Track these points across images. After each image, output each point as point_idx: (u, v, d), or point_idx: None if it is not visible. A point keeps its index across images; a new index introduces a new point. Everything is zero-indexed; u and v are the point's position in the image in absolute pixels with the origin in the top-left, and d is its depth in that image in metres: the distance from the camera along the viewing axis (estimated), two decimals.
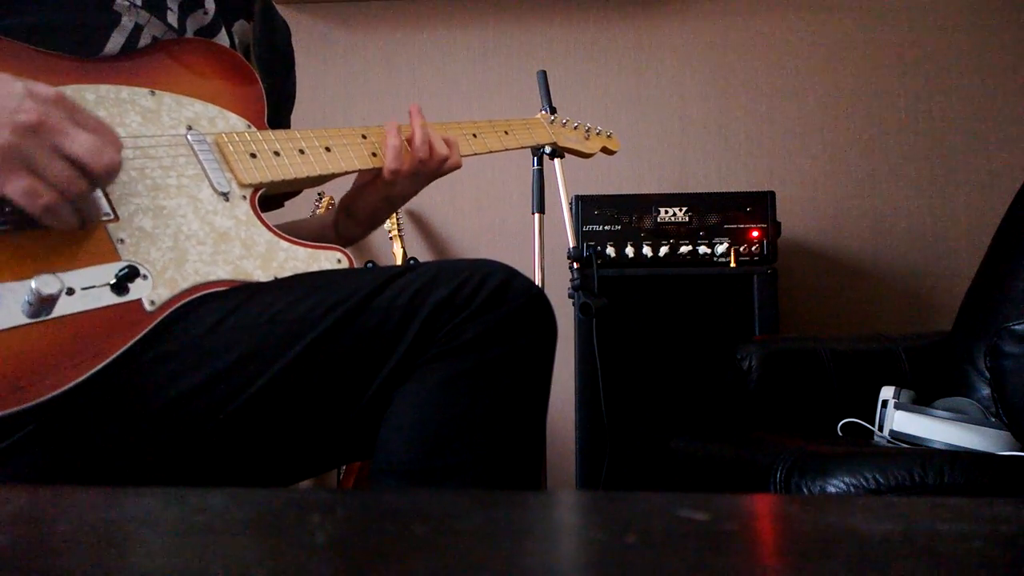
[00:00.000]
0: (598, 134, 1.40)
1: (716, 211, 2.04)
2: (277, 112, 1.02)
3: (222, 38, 0.98)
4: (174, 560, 0.32)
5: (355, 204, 1.05)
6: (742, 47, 2.52)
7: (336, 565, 0.30)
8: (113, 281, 0.72)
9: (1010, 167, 2.39)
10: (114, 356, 0.69)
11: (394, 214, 2.39)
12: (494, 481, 0.75)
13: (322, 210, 2.37)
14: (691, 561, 0.31)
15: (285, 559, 0.31)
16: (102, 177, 0.70)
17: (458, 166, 1.02)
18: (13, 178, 0.65)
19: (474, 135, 1.10)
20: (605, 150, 1.43)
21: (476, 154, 1.10)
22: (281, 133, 0.92)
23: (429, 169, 1.00)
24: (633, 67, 2.55)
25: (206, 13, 0.95)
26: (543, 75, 1.58)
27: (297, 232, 0.92)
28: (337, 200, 1.09)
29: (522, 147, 1.20)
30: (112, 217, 0.75)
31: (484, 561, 0.31)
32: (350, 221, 1.07)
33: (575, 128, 1.36)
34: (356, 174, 1.03)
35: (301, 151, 0.92)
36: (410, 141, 0.99)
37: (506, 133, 1.16)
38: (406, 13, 2.62)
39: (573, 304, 1.51)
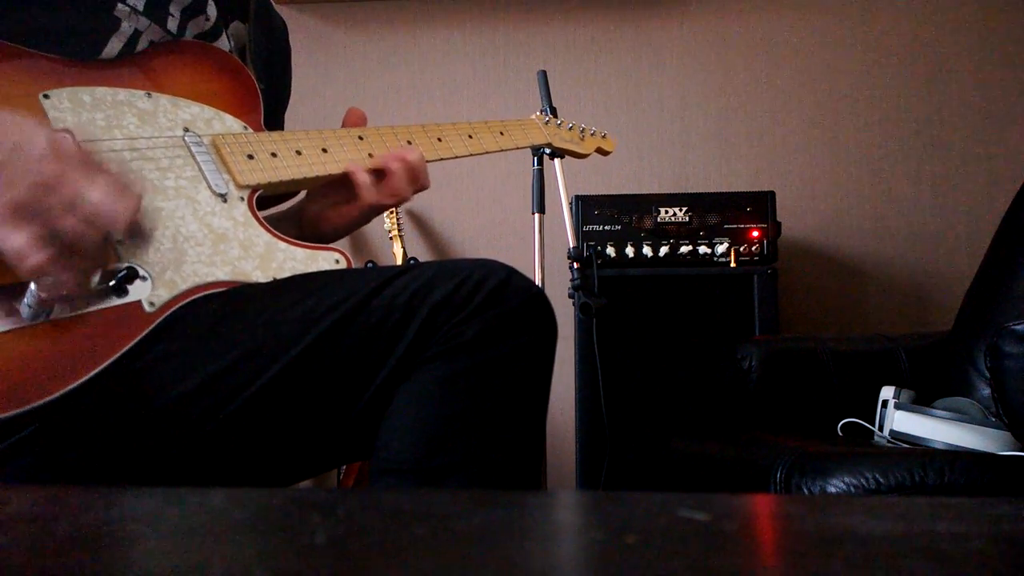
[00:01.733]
0: (593, 134, 1.41)
1: (716, 211, 2.04)
2: (272, 112, 1.01)
3: (222, 42, 0.98)
4: (174, 560, 0.32)
5: (325, 220, 0.99)
6: (742, 47, 2.52)
7: (336, 565, 0.30)
8: (112, 283, 0.72)
9: (1010, 167, 2.39)
10: (114, 358, 0.69)
11: (394, 214, 2.40)
12: (494, 480, 0.75)
13: None
14: (691, 561, 0.31)
15: (285, 559, 0.31)
16: (118, 223, 0.66)
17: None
18: (15, 232, 0.62)
19: (470, 136, 1.10)
20: (600, 150, 1.43)
21: (472, 155, 1.10)
22: (277, 135, 0.92)
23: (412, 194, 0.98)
24: (633, 67, 2.55)
25: (207, 19, 0.95)
26: (543, 75, 1.59)
27: None
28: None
29: (517, 147, 1.20)
30: None
31: (484, 561, 0.31)
32: (308, 232, 1.00)
33: (570, 129, 1.36)
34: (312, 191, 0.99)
35: (298, 152, 0.92)
36: (389, 176, 0.95)
37: (501, 134, 1.16)
38: (406, 13, 2.62)
39: (573, 304, 1.51)
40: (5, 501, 0.44)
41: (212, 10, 0.96)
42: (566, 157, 1.44)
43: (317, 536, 0.34)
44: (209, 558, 0.32)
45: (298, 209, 1.02)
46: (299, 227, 1.01)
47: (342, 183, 0.96)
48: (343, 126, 1.00)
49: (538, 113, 1.34)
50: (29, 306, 0.66)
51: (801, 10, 2.51)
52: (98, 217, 0.65)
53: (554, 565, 0.31)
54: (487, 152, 1.13)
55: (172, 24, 0.90)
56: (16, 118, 0.67)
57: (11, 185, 0.63)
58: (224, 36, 0.98)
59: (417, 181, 0.97)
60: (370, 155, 0.97)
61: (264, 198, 0.92)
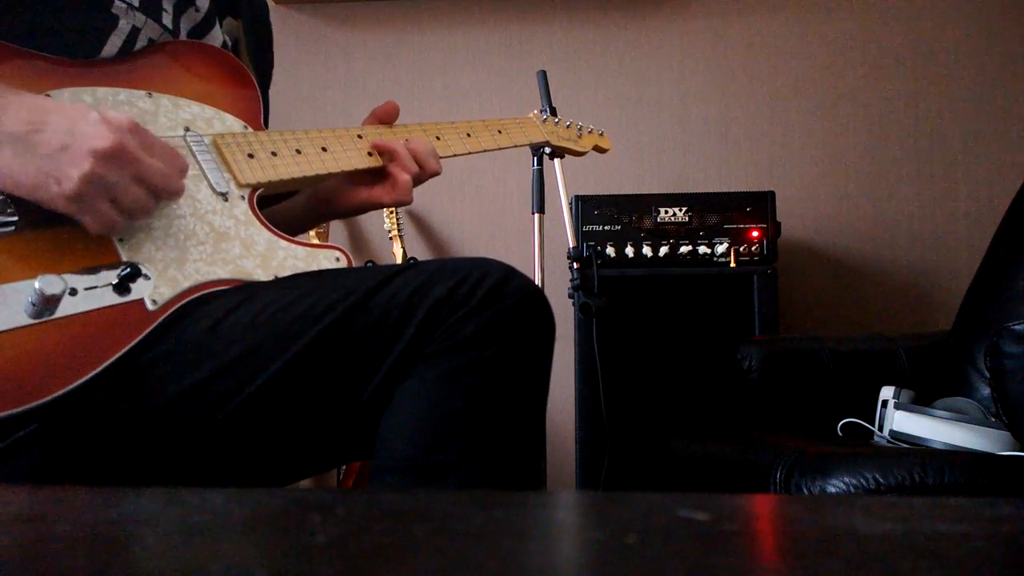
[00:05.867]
0: (590, 132, 1.41)
1: (716, 211, 2.04)
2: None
3: (215, 34, 0.98)
4: (174, 560, 0.32)
5: (339, 200, 1.02)
6: (742, 47, 2.52)
7: (336, 565, 0.30)
8: (115, 281, 0.72)
9: (1010, 167, 2.39)
10: (116, 356, 0.70)
11: (394, 214, 2.40)
12: (493, 477, 0.75)
13: None
14: (691, 561, 0.31)
15: (285, 559, 0.31)
16: (168, 202, 0.77)
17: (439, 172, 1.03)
18: (94, 208, 0.69)
19: (468, 134, 1.11)
20: (597, 148, 1.43)
21: (471, 153, 1.11)
22: (277, 134, 0.93)
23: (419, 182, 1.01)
24: (633, 67, 2.55)
25: (198, 10, 0.96)
26: (543, 75, 1.58)
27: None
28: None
29: (515, 145, 1.20)
30: None
31: (484, 561, 0.31)
32: (321, 211, 1.04)
33: (567, 127, 1.37)
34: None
35: (298, 151, 0.92)
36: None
37: (500, 132, 1.16)
38: (406, 13, 2.62)
39: (573, 304, 1.51)
40: (5, 501, 0.44)
41: (202, 1, 0.96)
42: (565, 156, 1.44)
43: (317, 536, 0.34)
44: (209, 558, 0.32)
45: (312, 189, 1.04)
46: (309, 197, 1.03)
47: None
48: (373, 116, 1.03)
49: (535, 112, 1.35)
50: (33, 304, 0.66)
51: (801, 10, 2.51)
52: (160, 185, 0.73)
53: (554, 565, 0.31)
54: (485, 150, 1.13)
55: (167, 19, 0.90)
56: (64, 105, 0.72)
57: (79, 162, 0.68)
58: (217, 27, 0.98)
59: (423, 163, 0.98)
60: (369, 153, 0.97)
61: (264, 197, 0.92)
